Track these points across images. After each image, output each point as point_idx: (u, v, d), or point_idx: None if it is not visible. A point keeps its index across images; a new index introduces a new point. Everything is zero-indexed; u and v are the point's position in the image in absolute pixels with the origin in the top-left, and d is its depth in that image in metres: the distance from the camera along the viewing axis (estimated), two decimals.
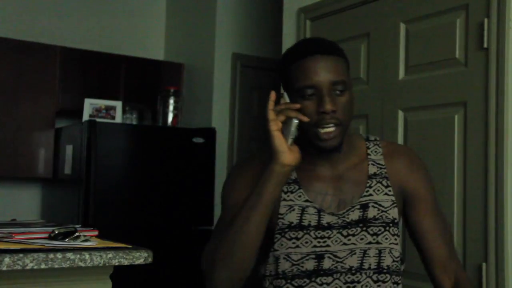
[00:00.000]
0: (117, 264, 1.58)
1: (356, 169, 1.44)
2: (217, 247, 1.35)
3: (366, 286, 1.39)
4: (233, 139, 3.92)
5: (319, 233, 1.39)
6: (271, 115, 1.32)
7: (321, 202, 1.41)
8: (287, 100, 1.37)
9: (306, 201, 1.41)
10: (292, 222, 1.40)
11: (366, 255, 1.39)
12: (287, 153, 1.31)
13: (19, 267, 1.45)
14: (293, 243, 1.39)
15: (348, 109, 1.36)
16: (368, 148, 1.48)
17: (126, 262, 1.58)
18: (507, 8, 1.95)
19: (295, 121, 1.32)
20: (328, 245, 1.39)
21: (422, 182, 1.48)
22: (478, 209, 2.02)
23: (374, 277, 1.39)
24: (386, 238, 1.41)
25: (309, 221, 1.40)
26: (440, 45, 2.20)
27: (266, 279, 1.45)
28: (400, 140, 2.34)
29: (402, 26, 2.36)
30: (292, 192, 1.42)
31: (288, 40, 2.93)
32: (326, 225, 1.40)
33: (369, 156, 1.47)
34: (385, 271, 1.40)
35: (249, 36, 4.03)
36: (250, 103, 4.03)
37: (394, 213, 1.42)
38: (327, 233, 1.39)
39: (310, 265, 1.39)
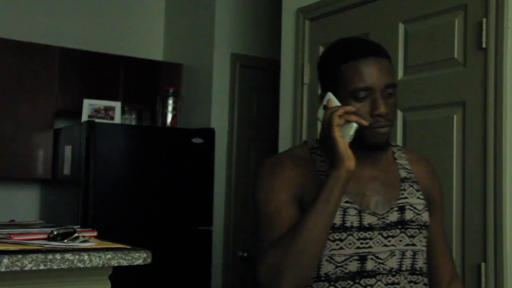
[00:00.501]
0: (116, 264, 1.58)
1: (388, 172, 1.47)
2: (282, 259, 1.33)
3: (404, 287, 1.40)
4: (232, 139, 3.92)
5: (361, 234, 1.39)
6: (336, 120, 1.32)
7: (360, 203, 1.41)
8: (334, 99, 1.36)
9: (347, 202, 1.40)
10: (335, 224, 1.38)
11: (404, 256, 1.41)
12: (352, 159, 1.32)
13: (18, 268, 1.45)
14: (337, 244, 1.38)
15: (396, 110, 1.42)
16: (394, 153, 1.52)
17: (125, 263, 1.58)
18: (505, 8, 1.95)
19: (355, 125, 1.32)
20: (370, 246, 1.39)
21: (439, 191, 1.55)
22: (476, 209, 2.02)
23: (409, 279, 1.41)
24: (420, 240, 1.44)
25: (352, 222, 1.39)
26: (438, 45, 2.20)
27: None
28: (399, 140, 2.34)
29: (401, 26, 2.37)
30: None
31: (287, 40, 2.93)
32: (367, 226, 1.40)
33: (396, 161, 1.50)
34: (417, 272, 1.43)
35: (248, 37, 4.03)
36: (249, 104, 4.03)
37: (426, 216, 1.45)
38: (369, 234, 1.39)
39: (353, 266, 1.38)
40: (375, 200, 1.42)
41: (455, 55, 2.14)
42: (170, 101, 3.83)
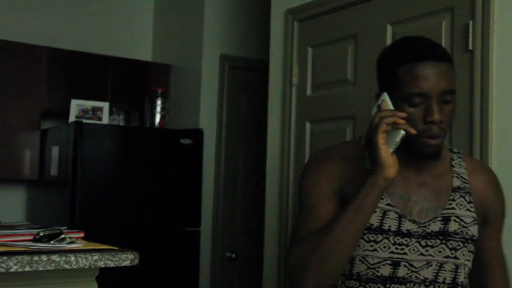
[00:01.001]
0: (103, 266, 1.57)
1: (440, 179, 1.41)
2: (309, 255, 1.32)
3: None
4: (220, 140, 3.92)
5: (397, 239, 1.36)
6: (383, 127, 1.27)
7: (403, 208, 1.38)
8: (388, 101, 1.31)
9: (388, 204, 1.37)
10: (372, 224, 1.36)
11: (442, 268, 1.36)
12: (392, 167, 1.27)
13: (3, 270, 1.44)
14: (371, 246, 1.36)
15: (452, 119, 1.34)
16: (452, 159, 1.45)
17: (112, 264, 1.58)
18: (491, 11, 1.96)
19: (402, 133, 1.27)
20: (405, 253, 1.36)
21: (501, 206, 1.47)
22: None
23: None
24: (463, 254, 1.38)
25: (389, 226, 1.36)
26: None
27: (339, 278, 1.42)
28: None
29: (389, 28, 2.38)
30: None
31: (276, 41, 2.94)
32: (405, 232, 1.36)
33: (453, 168, 1.43)
34: (459, 286, 1.38)
35: (237, 38, 4.03)
36: (238, 105, 4.03)
37: (474, 230, 1.39)
38: (406, 240, 1.36)
39: (385, 270, 1.36)
40: (419, 207, 1.38)
41: None
42: (159, 102, 3.82)
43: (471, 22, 2.03)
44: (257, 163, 3.63)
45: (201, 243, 3.67)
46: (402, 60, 1.32)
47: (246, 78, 4.04)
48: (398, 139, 1.27)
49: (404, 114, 1.28)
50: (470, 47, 2.03)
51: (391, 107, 1.31)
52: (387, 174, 1.27)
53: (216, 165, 3.88)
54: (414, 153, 1.34)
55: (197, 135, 3.68)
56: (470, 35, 2.03)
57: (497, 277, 1.47)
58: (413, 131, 1.27)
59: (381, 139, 1.27)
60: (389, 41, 2.36)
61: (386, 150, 1.27)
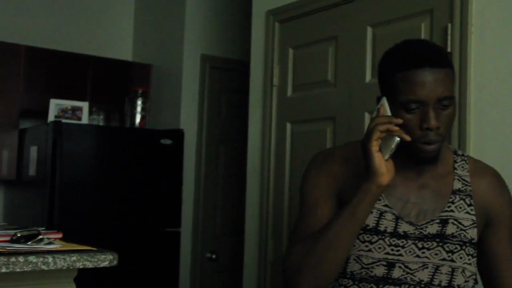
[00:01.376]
0: (81, 267, 1.56)
1: (441, 181, 1.40)
2: (303, 258, 1.34)
3: None
4: (201, 140, 3.91)
5: (393, 240, 1.36)
6: (376, 134, 1.27)
7: (400, 209, 1.38)
8: (387, 106, 1.31)
9: (385, 206, 1.38)
10: (368, 225, 1.37)
11: (438, 271, 1.35)
12: (385, 175, 1.28)
13: None
14: (366, 246, 1.37)
15: (450, 123, 1.33)
16: (455, 162, 1.44)
17: (90, 265, 1.56)
18: (469, 14, 1.99)
19: (397, 139, 1.26)
20: (401, 255, 1.36)
21: (507, 208, 1.44)
22: None
23: None
24: (461, 258, 1.37)
25: (386, 227, 1.37)
26: None
27: None
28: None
29: (369, 30, 2.39)
30: None
31: (257, 42, 2.94)
32: (402, 233, 1.36)
33: (455, 171, 1.42)
34: None
35: (218, 38, 4.02)
36: (219, 105, 4.02)
37: (473, 233, 1.38)
38: (402, 242, 1.36)
39: (379, 271, 1.36)
40: (418, 209, 1.37)
41: None
42: (139, 102, 3.80)
43: (449, 25, 2.05)
44: (238, 164, 3.62)
45: (181, 243, 3.66)
46: (398, 66, 1.31)
47: (227, 79, 4.04)
48: (393, 146, 1.27)
49: (400, 121, 1.28)
50: (449, 49, 2.05)
51: (389, 113, 1.30)
52: (380, 181, 1.28)
53: (197, 165, 3.87)
54: (411, 158, 1.34)
55: (177, 135, 3.67)
56: (449, 37, 2.05)
57: (509, 281, 1.44)
58: (407, 138, 1.27)
59: (374, 146, 1.27)
60: (369, 42, 2.38)
61: (380, 158, 1.27)
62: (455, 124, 2.01)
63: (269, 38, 2.84)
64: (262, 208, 2.80)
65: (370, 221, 1.37)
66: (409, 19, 2.23)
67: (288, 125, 2.75)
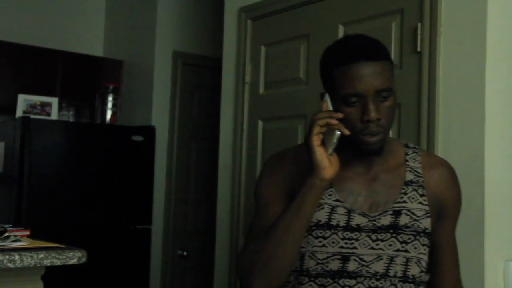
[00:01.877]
0: (49, 264, 1.54)
1: (392, 173, 1.42)
2: (254, 258, 1.35)
3: None
4: (173, 137, 3.89)
5: (347, 234, 1.37)
6: (316, 129, 1.30)
7: (352, 203, 1.39)
8: (329, 101, 1.33)
9: (337, 200, 1.39)
10: (320, 221, 1.38)
11: (393, 262, 1.37)
12: (328, 169, 1.30)
13: None
14: (320, 241, 1.38)
15: (391, 114, 1.35)
16: (407, 154, 1.46)
17: (58, 263, 1.55)
18: (438, 14, 2.01)
19: (338, 133, 1.29)
20: (355, 247, 1.37)
21: (457, 200, 1.49)
22: None
23: (399, 285, 1.37)
24: (415, 248, 1.38)
25: (338, 221, 1.38)
26: None
27: (291, 274, 1.43)
28: None
29: (341, 28, 2.41)
30: None
31: (229, 39, 2.93)
32: (355, 226, 1.37)
33: (407, 163, 1.44)
34: (410, 280, 1.38)
35: (190, 34, 4.01)
36: (191, 102, 4.01)
37: (426, 223, 1.40)
38: (356, 235, 1.37)
39: (334, 265, 1.37)
40: (370, 201, 1.39)
41: (392, 58, 2.19)
42: (110, 98, 3.77)
43: (419, 24, 2.08)
44: (209, 161, 3.62)
45: (152, 241, 3.64)
46: (336, 62, 1.34)
47: (199, 75, 4.03)
48: (334, 139, 1.30)
49: (339, 115, 1.31)
50: (419, 49, 2.07)
51: (331, 108, 1.34)
52: (323, 175, 1.31)
53: (168, 162, 3.86)
54: (358, 151, 1.37)
55: (149, 132, 3.65)
56: (419, 37, 2.07)
57: (448, 271, 1.48)
58: (346, 132, 1.29)
59: (315, 141, 1.30)
60: None
61: (321, 152, 1.30)
62: (424, 123, 2.04)
63: (241, 36, 2.84)
64: (234, 206, 2.80)
65: (322, 216, 1.38)
66: (380, 19, 2.25)
67: (260, 123, 2.75)
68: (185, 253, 3.88)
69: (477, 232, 1.86)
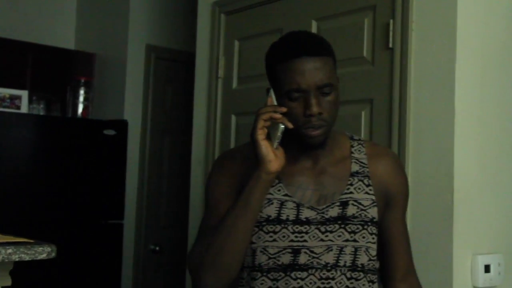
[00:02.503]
0: (17, 259, 1.51)
1: (338, 166, 1.45)
2: (203, 253, 1.36)
3: (340, 283, 1.39)
4: (145, 132, 3.86)
5: (297, 227, 1.39)
6: (260, 123, 1.33)
7: (300, 197, 1.41)
8: (273, 97, 1.36)
9: (285, 195, 1.41)
10: (270, 216, 1.40)
11: (342, 252, 1.40)
12: (273, 162, 1.33)
13: None
14: (270, 236, 1.39)
15: (334, 108, 1.37)
16: (352, 146, 1.49)
17: (27, 258, 1.52)
18: (410, 11, 2.04)
19: (282, 127, 1.32)
20: (305, 240, 1.39)
21: (403, 188, 1.51)
22: None
23: (348, 275, 1.40)
24: (364, 237, 1.41)
25: (288, 215, 1.39)
26: (349, 43, 2.27)
27: (244, 270, 1.44)
28: None
29: (314, 24, 2.42)
30: (271, 186, 1.42)
31: (202, 33, 2.92)
32: (304, 220, 1.39)
33: (352, 155, 1.47)
34: (359, 269, 1.41)
35: (163, 28, 3.98)
36: (164, 96, 3.98)
37: (373, 212, 1.43)
38: (305, 228, 1.39)
39: (286, 259, 1.39)
40: (318, 194, 1.42)
41: (364, 54, 2.21)
42: (82, 91, 3.73)
43: (391, 21, 2.10)
44: (182, 155, 3.60)
45: (124, 235, 3.61)
46: (279, 57, 1.37)
47: (173, 70, 4.00)
48: (278, 133, 1.33)
49: (283, 109, 1.34)
50: (390, 45, 2.09)
51: (275, 103, 1.37)
52: (268, 168, 1.33)
53: (141, 156, 3.83)
54: (302, 145, 1.39)
55: (121, 126, 3.61)
56: (391, 33, 2.09)
57: (399, 258, 1.51)
58: (290, 125, 1.33)
59: (260, 134, 1.33)
60: None
61: (266, 145, 1.33)
62: (395, 119, 2.06)
63: (215, 30, 2.83)
64: None
65: (272, 211, 1.40)
66: (353, 14, 2.26)
67: (233, 117, 2.75)
68: (157, 248, 3.86)
69: (446, 226, 1.89)
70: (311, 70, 1.32)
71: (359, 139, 1.53)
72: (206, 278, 1.36)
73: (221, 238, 1.35)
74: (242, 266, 1.45)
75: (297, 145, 1.40)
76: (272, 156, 1.33)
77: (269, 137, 1.34)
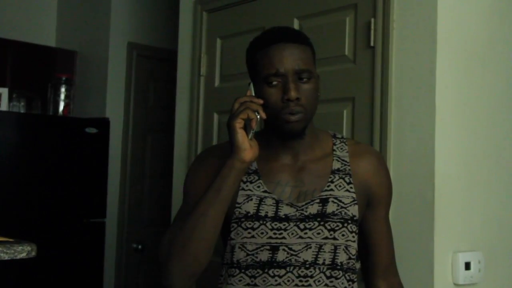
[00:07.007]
0: None
1: (319, 163, 1.44)
2: (173, 240, 1.34)
3: (319, 281, 1.38)
4: (127, 129, 3.84)
5: (275, 224, 1.38)
6: (240, 113, 1.33)
7: (280, 193, 1.40)
8: (252, 90, 1.38)
9: (265, 191, 1.40)
10: (248, 212, 1.39)
11: (321, 250, 1.38)
12: (248, 150, 1.33)
13: None
14: (249, 233, 1.38)
15: (312, 96, 1.38)
16: (334, 144, 1.48)
17: (6, 257, 1.51)
18: (391, 9, 2.05)
19: (257, 116, 1.33)
20: (284, 237, 1.38)
21: (386, 187, 1.51)
22: None
23: (327, 273, 1.38)
24: (343, 235, 1.40)
25: (266, 212, 1.39)
26: (330, 42, 2.27)
27: (223, 267, 1.44)
28: None
29: (296, 22, 2.42)
30: (251, 182, 1.41)
31: (184, 31, 2.91)
32: (283, 216, 1.39)
33: (334, 152, 1.46)
34: (338, 267, 1.39)
35: (145, 26, 3.95)
36: (146, 94, 3.96)
37: (354, 210, 1.42)
38: (284, 225, 1.38)
39: (264, 256, 1.37)
40: (297, 191, 1.41)
41: (346, 52, 2.22)
42: (63, 89, 3.70)
43: (373, 20, 2.11)
44: (165, 154, 3.59)
45: (106, 234, 3.59)
46: (258, 45, 1.40)
47: (155, 67, 3.99)
48: (253, 124, 1.34)
49: (260, 101, 1.35)
50: (372, 44, 2.10)
51: (253, 94, 1.39)
52: (243, 157, 1.33)
53: (123, 155, 3.81)
54: (280, 134, 1.40)
55: (103, 124, 3.59)
56: (372, 32, 2.10)
57: (381, 256, 1.52)
58: (263, 116, 1.34)
59: (238, 123, 1.33)
60: None
61: (243, 134, 1.33)
62: (377, 117, 2.07)
63: (197, 28, 2.82)
64: None
65: (251, 208, 1.40)
66: (335, 13, 2.27)
67: (215, 115, 2.75)
68: (139, 247, 3.84)
69: (427, 224, 1.91)
70: (289, 56, 1.35)
71: (342, 137, 1.52)
72: (174, 266, 1.34)
73: (191, 224, 1.33)
74: (222, 263, 1.45)
75: (277, 138, 1.41)
76: (247, 146, 1.33)
77: (245, 128, 1.35)
